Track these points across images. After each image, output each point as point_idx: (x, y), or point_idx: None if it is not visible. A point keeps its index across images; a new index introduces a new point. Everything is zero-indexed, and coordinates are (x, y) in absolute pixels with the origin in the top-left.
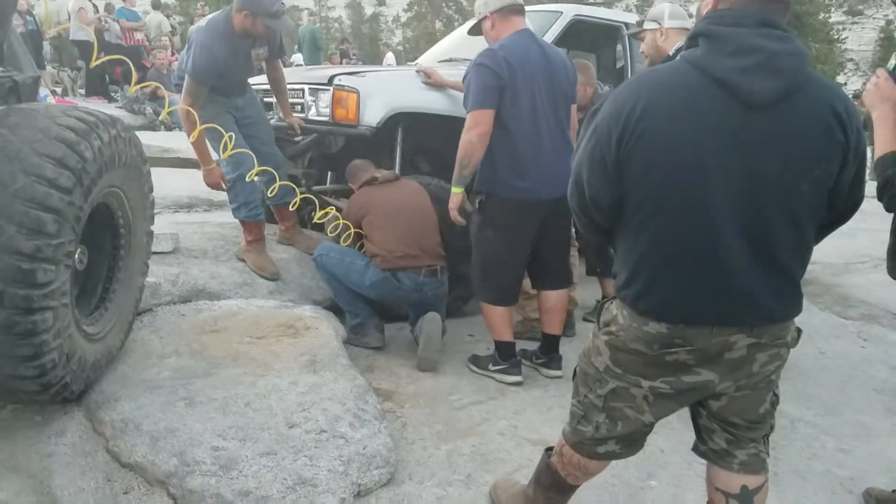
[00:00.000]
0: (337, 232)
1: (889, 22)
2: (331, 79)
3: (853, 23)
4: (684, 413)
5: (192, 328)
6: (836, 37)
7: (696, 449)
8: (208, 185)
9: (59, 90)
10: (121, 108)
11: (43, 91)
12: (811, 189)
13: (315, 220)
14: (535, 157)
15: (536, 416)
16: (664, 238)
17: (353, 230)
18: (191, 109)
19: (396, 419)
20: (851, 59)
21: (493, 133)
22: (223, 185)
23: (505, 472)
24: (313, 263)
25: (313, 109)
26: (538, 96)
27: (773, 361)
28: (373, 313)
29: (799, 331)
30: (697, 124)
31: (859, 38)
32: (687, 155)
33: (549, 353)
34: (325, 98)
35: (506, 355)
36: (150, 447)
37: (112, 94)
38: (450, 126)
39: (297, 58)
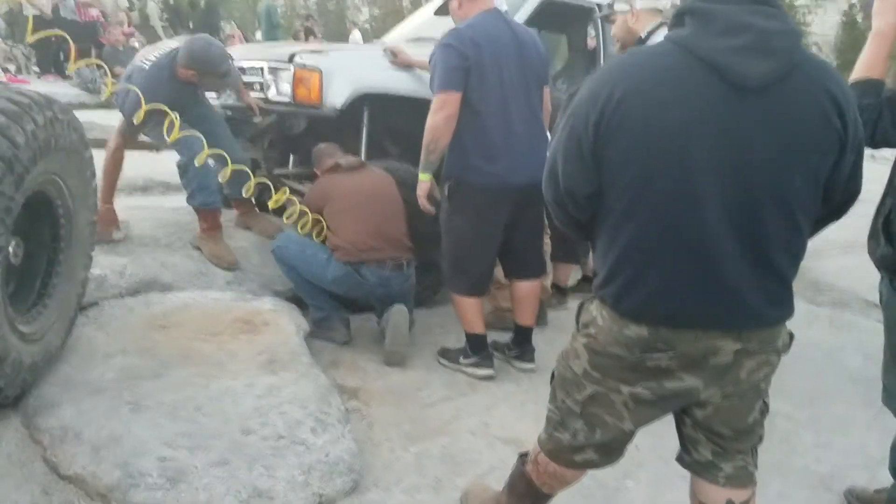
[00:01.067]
0: (294, 219)
1: (852, 6)
2: (291, 57)
3: (818, 6)
4: None
5: (141, 324)
6: (801, 20)
7: (680, 460)
8: (102, 224)
9: (12, 68)
10: (75, 86)
11: None
12: (806, 180)
13: (270, 206)
14: (506, 139)
15: (509, 413)
16: (646, 234)
17: (311, 217)
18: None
19: (362, 419)
20: (816, 43)
21: (460, 116)
22: (112, 235)
23: (476, 475)
24: None
25: (273, 89)
26: (507, 77)
27: (761, 368)
28: (338, 306)
29: (791, 336)
30: (682, 110)
31: (823, 23)
32: (670, 143)
33: (521, 344)
34: (286, 77)
35: (477, 348)
36: (91, 457)
37: (66, 72)
38: (419, 108)
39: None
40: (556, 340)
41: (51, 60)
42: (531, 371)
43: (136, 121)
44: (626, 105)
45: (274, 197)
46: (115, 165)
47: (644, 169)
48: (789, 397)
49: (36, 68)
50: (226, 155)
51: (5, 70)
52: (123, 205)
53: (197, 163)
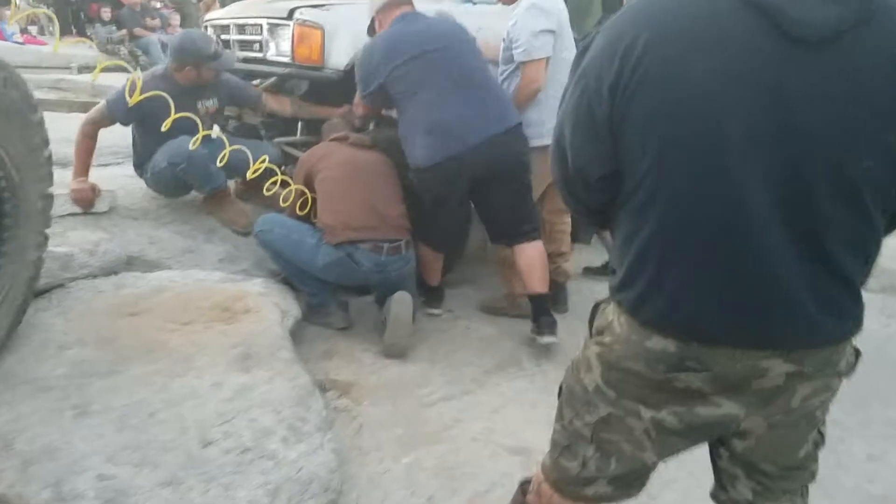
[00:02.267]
0: (274, 191)
1: None
2: (291, 12)
3: None
4: None
5: (107, 310)
6: None
7: (714, 497)
8: (75, 200)
9: (34, 29)
10: (94, 46)
11: (10, 29)
12: (879, 160)
13: (248, 176)
14: (441, 115)
15: (518, 415)
16: (674, 225)
17: (294, 188)
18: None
19: (352, 420)
20: None
21: (402, 115)
22: (91, 203)
23: (475, 492)
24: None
25: (272, 48)
26: (425, 67)
27: (818, 394)
28: (334, 290)
29: (857, 353)
30: (723, 66)
31: None
32: (708, 108)
33: (539, 316)
34: (286, 35)
35: (434, 297)
36: (20, 473)
37: (87, 33)
38: None
39: None
40: (579, 331)
41: (70, 21)
42: (553, 343)
43: (164, 128)
44: (650, 59)
45: (252, 167)
46: (86, 146)
47: (671, 142)
48: (835, 399)
49: (54, 28)
50: (224, 139)
51: (24, 31)
52: (112, 173)
53: (190, 146)
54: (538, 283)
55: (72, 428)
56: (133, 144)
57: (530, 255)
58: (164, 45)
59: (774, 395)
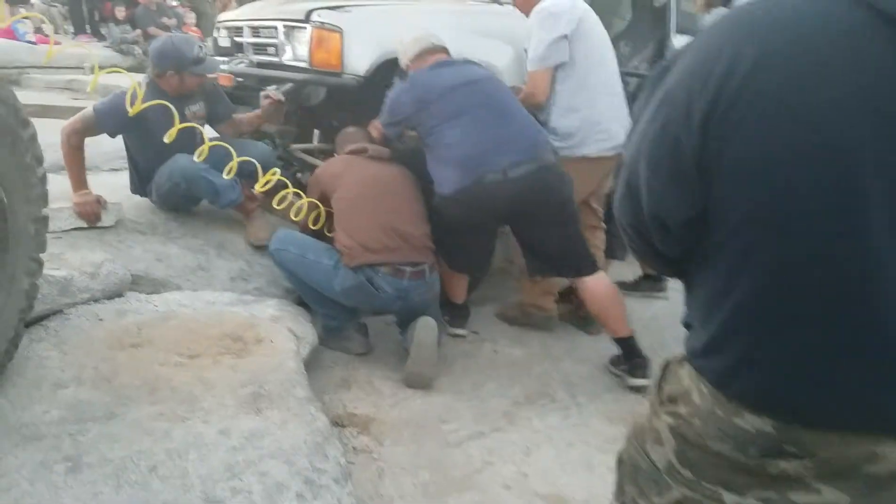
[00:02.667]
0: (286, 204)
1: None
2: (308, 14)
3: None
4: None
5: (107, 340)
6: None
7: None
8: (80, 214)
9: (48, 28)
10: (108, 46)
11: (23, 27)
12: None
13: (257, 189)
14: (469, 147)
15: (553, 457)
16: (782, 287)
17: (306, 201)
18: (74, 141)
19: (372, 462)
20: None
21: (429, 149)
22: (98, 217)
23: None
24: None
25: (289, 52)
26: (454, 100)
27: None
28: (352, 313)
29: None
30: (854, 89)
31: None
32: (835, 141)
33: (629, 358)
34: (302, 38)
35: (458, 314)
36: None
37: (101, 33)
38: None
39: None
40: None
41: (84, 20)
42: (644, 388)
43: (167, 139)
44: (756, 84)
45: (262, 178)
46: (77, 158)
47: (780, 190)
48: None
49: (69, 28)
50: (230, 148)
51: (38, 31)
52: (118, 183)
53: (197, 157)
54: (618, 325)
55: (63, 485)
56: (131, 163)
57: (596, 293)
58: None
59: (889, 482)
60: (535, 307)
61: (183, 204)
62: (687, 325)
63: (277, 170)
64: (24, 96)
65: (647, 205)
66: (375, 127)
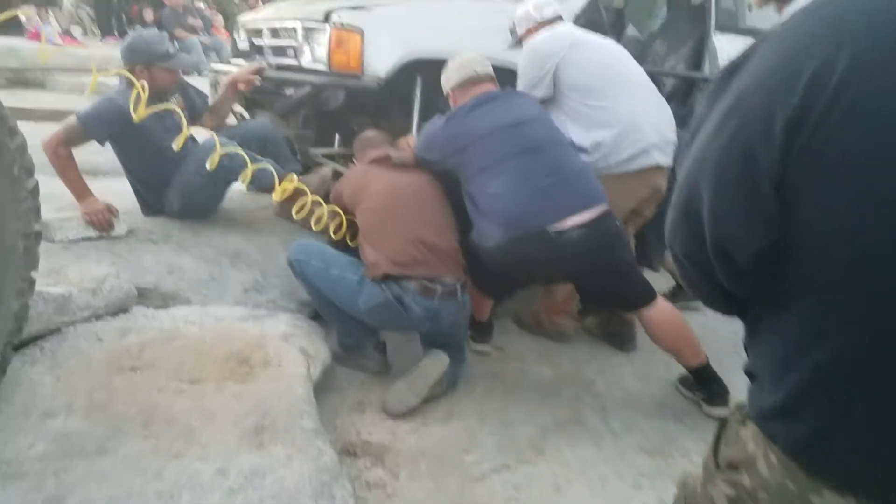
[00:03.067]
0: (304, 212)
1: None
2: (328, 15)
3: None
4: None
5: (106, 363)
6: None
7: None
8: (92, 224)
9: (77, 30)
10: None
11: (48, 28)
12: None
13: (275, 199)
14: (510, 202)
15: (585, 495)
16: (881, 339)
17: (325, 209)
18: (63, 153)
19: (387, 499)
20: None
21: (467, 192)
22: (111, 225)
23: None
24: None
25: (307, 54)
26: (495, 146)
27: None
28: (371, 331)
29: None
30: None
31: None
32: None
33: (705, 385)
34: (322, 40)
35: (482, 332)
36: None
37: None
38: None
39: None
40: (651, 374)
41: (112, 22)
42: (721, 417)
43: (176, 147)
44: (856, 87)
45: (280, 186)
46: (72, 169)
47: (889, 217)
48: None
49: (97, 30)
50: (244, 156)
51: (66, 33)
52: (126, 190)
53: (209, 166)
54: (691, 356)
55: None
56: (133, 181)
57: (662, 326)
58: (206, 48)
59: None
60: (551, 322)
61: (207, 202)
62: (750, 375)
63: (295, 174)
64: (47, 99)
65: (709, 232)
66: (409, 144)
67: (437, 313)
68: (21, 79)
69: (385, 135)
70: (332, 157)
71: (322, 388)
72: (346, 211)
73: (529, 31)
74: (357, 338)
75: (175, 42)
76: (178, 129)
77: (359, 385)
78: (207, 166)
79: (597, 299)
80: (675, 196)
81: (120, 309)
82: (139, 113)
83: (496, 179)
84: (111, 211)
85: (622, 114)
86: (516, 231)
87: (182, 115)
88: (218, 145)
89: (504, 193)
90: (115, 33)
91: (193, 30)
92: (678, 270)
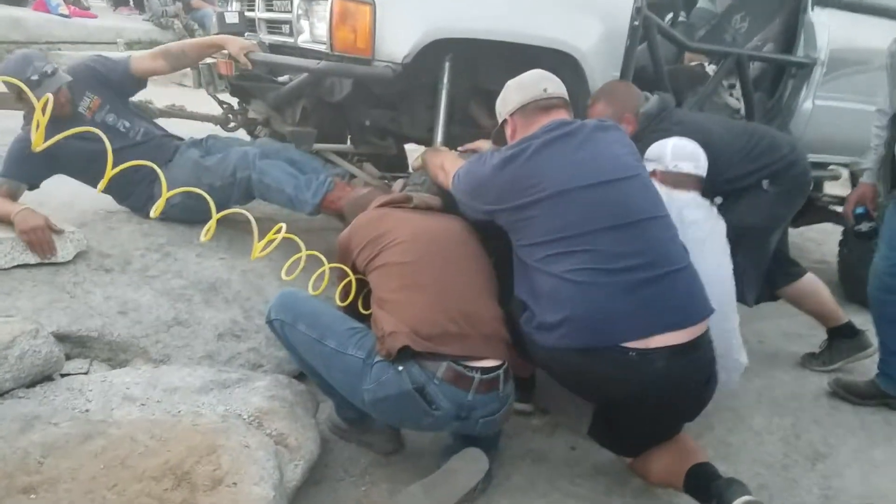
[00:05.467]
0: (298, 272)
1: None
2: None
3: None
4: None
5: None
6: None
7: None
8: (29, 245)
9: (87, 2)
10: (148, 20)
11: (55, 0)
12: None
13: (253, 257)
14: (601, 295)
15: None
16: None
17: (353, 279)
18: None
19: None
20: None
21: (523, 267)
22: (51, 247)
23: None
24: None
25: (305, 31)
26: (570, 211)
27: None
28: None
29: None
30: None
31: None
32: None
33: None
34: (322, 13)
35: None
36: None
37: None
38: (528, 58)
39: None
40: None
41: None
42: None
43: (98, 189)
44: None
45: (257, 246)
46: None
47: None
48: None
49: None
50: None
51: (77, 3)
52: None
53: (153, 214)
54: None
55: None
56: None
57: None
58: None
59: None
60: None
61: (196, 216)
62: None
63: (283, 225)
64: None
65: None
66: (444, 169)
67: (471, 409)
68: None
69: (379, 189)
70: (346, 156)
71: (309, 483)
72: (355, 270)
73: None
74: (359, 410)
75: (190, 12)
76: (128, 118)
77: (360, 473)
78: (151, 214)
79: (624, 433)
80: None
81: (38, 379)
82: (36, 141)
83: (567, 259)
84: (52, 228)
85: None
86: (582, 340)
87: (104, 138)
88: (165, 188)
89: (575, 283)
90: (131, 3)
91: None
92: None
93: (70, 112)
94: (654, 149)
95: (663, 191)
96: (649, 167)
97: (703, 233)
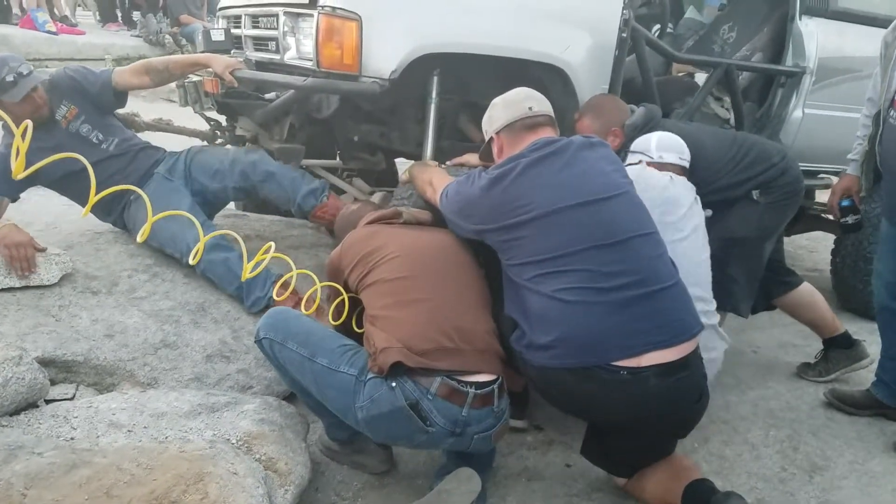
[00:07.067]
0: (286, 295)
1: None
2: None
3: None
4: None
5: None
6: None
7: None
8: (10, 263)
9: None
10: (138, 36)
11: (42, 17)
12: None
13: (276, 298)
14: (590, 314)
15: None
16: None
17: (345, 297)
18: None
19: None
20: None
21: (513, 287)
22: (30, 265)
23: None
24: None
25: (292, 48)
26: (564, 238)
27: None
28: None
29: None
30: None
31: None
32: None
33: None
34: (308, 30)
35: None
36: None
37: (133, 20)
38: (519, 73)
39: None
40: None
41: (114, 8)
42: None
43: (83, 214)
44: None
45: (246, 267)
46: None
47: None
48: None
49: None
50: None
51: (64, 19)
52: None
53: (139, 239)
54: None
55: None
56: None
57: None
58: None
59: None
60: None
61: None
62: None
63: (272, 244)
64: None
65: None
66: (432, 185)
67: (465, 425)
68: None
69: (370, 204)
70: (336, 171)
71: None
72: (347, 289)
73: None
74: (350, 431)
75: (180, 28)
76: (103, 129)
77: (353, 496)
78: (138, 239)
79: (616, 452)
80: None
81: (23, 406)
82: (16, 170)
83: (557, 279)
84: (36, 247)
85: None
86: (573, 360)
87: (85, 162)
88: (150, 212)
89: (566, 302)
90: (119, 20)
91: (199, 15)
92: None
93: (47, 116)
94: (640, 142)
95: (648, 171)
96: (635, 158)
97: (684, 207)
